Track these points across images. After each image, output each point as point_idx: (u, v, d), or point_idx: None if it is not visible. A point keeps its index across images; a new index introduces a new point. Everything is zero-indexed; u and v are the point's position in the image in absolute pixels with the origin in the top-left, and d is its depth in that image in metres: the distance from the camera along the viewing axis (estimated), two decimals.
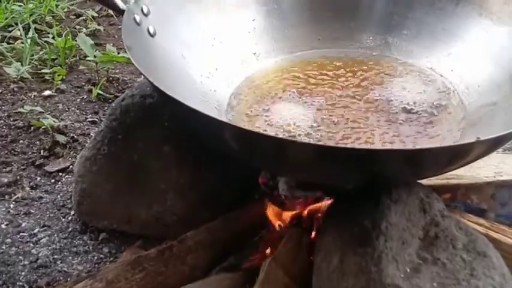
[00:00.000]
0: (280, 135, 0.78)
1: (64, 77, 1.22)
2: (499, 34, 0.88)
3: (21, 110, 1.12)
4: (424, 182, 0.77)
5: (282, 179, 0.86)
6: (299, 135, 0.79)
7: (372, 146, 0.77)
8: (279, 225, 0.81)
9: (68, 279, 0.82)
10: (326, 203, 0.82)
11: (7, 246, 0.87)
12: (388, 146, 0.77)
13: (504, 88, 0.83)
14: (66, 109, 1.15)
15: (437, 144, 0.78)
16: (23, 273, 0.83)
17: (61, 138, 1.06)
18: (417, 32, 0.94)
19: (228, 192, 0.85)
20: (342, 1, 0.96)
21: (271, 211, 0.83)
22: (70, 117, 1.13)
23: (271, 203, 0.84)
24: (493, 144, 0.69)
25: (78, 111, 1.15)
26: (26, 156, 1.03)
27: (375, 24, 0.96)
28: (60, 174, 1.01)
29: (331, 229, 0.71)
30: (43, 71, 1.23)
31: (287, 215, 0.82)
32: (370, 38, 0.96)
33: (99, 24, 1.41)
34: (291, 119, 0.81)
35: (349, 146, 0.76)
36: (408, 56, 0.94)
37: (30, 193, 0.96)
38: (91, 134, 1.08)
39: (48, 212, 0.93)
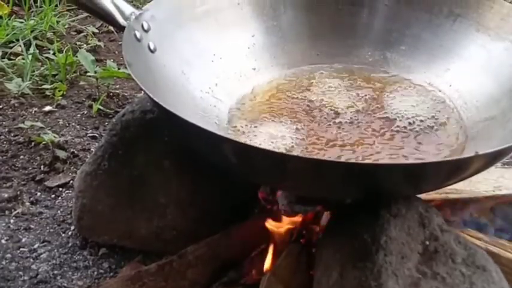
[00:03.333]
0: (278, 150, 0.78)
1: (65, 93, 1.23)
2: (497, 49, 0.88)
3: (21, 125, 1.12)
4: (423, 196, 0.77)
5: (282, 193, 0.86)
6: (295, 150, 0.79)
7: (370, 161, 0.77)
8: (279, 240, 0.81)
9: None
10: (326, 217, 0.82)
11: (7, 261, 0.87)
12: (387, 161, 0.77)
13: (502, 103, 0.83)
14: (67, 124, 1.15)
15: (435, 159, 0.78)
16: None
17: (61, 154, 1.06)
18: (415, 48, 0.94)
19: (227, 207, 0.85)
20: (340, 18, 0.97)
21: (270, 226, 0.83)
22: (70, 132, 1.13)
23: (271, 217, 0.85)
24: (491, 159, 0.70)
25: (78, 126, 1.15)
26: (26, 172, 1.04)
27: (373, 40, 0.97)
28: (61, 189, 1.01)
29: (331, 243, 0.72)
30: (44, 86, 1.24)
31: (286, 229, 0.82)
32: (369, 53, 0.97)
33: (99, 40, 1.42)
34: (288, 134, 0.82)
35: (347, 160, 0.76)
36: (406, 71, 0.94)
37: (31, 208, 0.97)
38: (91, 149, 1.08)
39: (48, 227, 0.93)
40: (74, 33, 1.45)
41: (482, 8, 0.91)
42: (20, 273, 0.85)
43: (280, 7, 0.96)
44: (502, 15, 0.89)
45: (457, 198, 0.87)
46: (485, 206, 0.87)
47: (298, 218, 0.83)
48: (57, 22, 1.43)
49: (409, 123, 0.85)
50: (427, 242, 0.69)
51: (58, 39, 1.38)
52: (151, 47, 0.84)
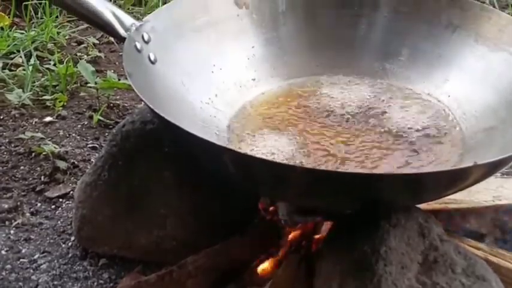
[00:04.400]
0: (277, 160, 0.78)
1: (65, 104, 1.23)
2: (495, 60, 0.89)
3: (22, 136, 1.12)
4: (423, 206, 0.78)
5: (282, 204, 0.86)
6: (294, 160, 0.79)
7: (369, 171, 0.77)
8: (279, 250, 0.81)
9: None
10: (325, 227, 0.82)
11: (7, 272, 0.87)
12: (386, 171, 0.77)
13: (501, 113, 0.84)
14: (67, 135, 1.16)
15: (434, 169, 0.78)
16: None
17: (62, 164, 1.06)
18: (414, 59, 0.95)
19: (228, 218, 0.85)
20: (340, 29, 0.97)
21: (270, 236, 0.83)
22: (71, 143, 1.13)
23: (271, 228, 0.85)
24: (490, 169, 0.70)
25: (78, 137, 1.15)
26: (26, 182, 1.04)
27: (372, 50, 0.97)
28: (61, 200, 1.01)
29: (331, 254, 0.72)
30: (44, 97, 1.24)
31: (286, 239, 0.82)
32: (368, 64, 0.97)
33: (100, 51, 1.42)
34: (287, 144, 0.82)
35: (346, 170, 0.76)
36: (405, 81, 0.95)
37: (31, 219, 0.97)
38: (91, 159, 1.08)
39: (48, 238, 0.93)
40: (74, 44, 1.45)
41: (481, 19, 0.92)
42: (20, 284, 0.85)
43: (279, 18, 0.97)
44: (501, 26, 0.90)
45: (457, 208, 0.87)
46: (485, 216, 0.87)
47: (298, 229, 0.83)
48: (58, 33, 1.43)
49: (408, 133, 0.85)
50: (427, 252, 0.69)
51: (59, 50, 1.38)
52: (152, 58, 0.84)
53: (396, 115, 0.88)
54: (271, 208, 0.87)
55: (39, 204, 1.00)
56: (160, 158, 0.83)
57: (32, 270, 0.87)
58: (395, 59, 0.96)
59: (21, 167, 1.07)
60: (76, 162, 1.08)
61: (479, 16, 0.92)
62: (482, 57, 0.90)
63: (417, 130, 0.86)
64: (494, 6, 1.58)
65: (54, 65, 1.31)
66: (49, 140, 1.12)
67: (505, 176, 0.99)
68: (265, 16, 0.97)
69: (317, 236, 0.83)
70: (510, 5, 1.62)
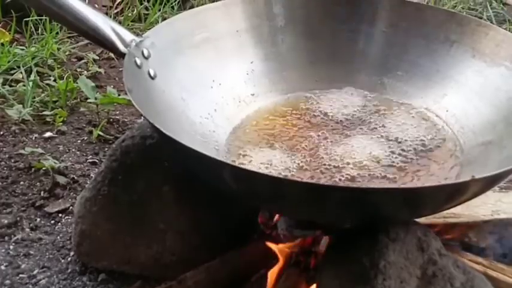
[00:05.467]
0: (276, 175, 0.78)
1: (65, 119, 1.24)
2: (493, 75, 0.89)
3: (22, 151, 1.13)
4: (422, 220, 0.78)
5: (281, 218, 0.86)
6: (293, 174, 0.80)
7: (367, 185, 0.78)
8: (278, 265, 0.81)
9: None
10: (325, 241, 0.82)
11: (6, 287, 0.87)
12: (384, 185, 0.78)
13: (498, 127, 0.84)
14: (67, 150, 1.16)
15: (432, 183, 0.78)
16: None
17: (61, 180, 1.07)
18: (412, 74, 0.95)
19: (227, 232, 0.85)
20: (338, 44, 0.98)
21: (270, 250, 0.83)
22: (70, 158, 1.14)
23: (270, 242, 0.85)
24: (488, 183, 0.70)
25: (78, 152, 1.16)
26: (26, 198, 1.04)
27: (370, 65, 0.98)
28: (60, 215, 1.01)
29: (330, 268, 0.72)
30: (44, 113, 1.25)
31: (286, 254, 0.82)
32: (366, 79, 0.97)
33: (100, 67, 1.43)
34: (287, 159, 0.83)
35: (344, 185, 0.77)
36: (403, 96, 0.95)
37: (30, 234, 0.97)
38: (91, 175, 1.09)
39: (47, 253, 0.93)
40: (74, 60, 1.46)
41: (478, 34, 0.92)
42: None
43: (278, 34, 0.98)
44: (497, 41, 0.90)
45: (456, 222, 0.87)
46: (484, 230, 0.87)
47: (297, 243, 0.83)
48: (58, 49, 1.44)
49: (407, 147, 0.86)
50: (426, 266, 0.69)
51: (59, 66, 1.39)
52: (152, 74, 0.85)
53: (394, 129, 0.89)
54: (270, 222, 0.88)
55: (38, 220, 1.00)
56: (160, 173, 0.83)
57: (31, 286, 0.87)
58: (394, 74, 0.97)
59: (21, 182, 1.07)
60: (76, 177, 1.08)
61: (476, 31, 0.93)
62: (480, 72, 0.91)
63: (415, 144, 0.86)
64: (491, 21, 1.60)
65: (54, 80, 1.32)
66: (49, 155, 1.12)
67: (504, 190, 0.99)
68: (264, 32, 0.97)
69: (316, 250, 0.83)
70: (508, 20, 1.63)
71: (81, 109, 1.28)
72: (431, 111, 0.92)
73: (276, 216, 0.87)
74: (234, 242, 0.85)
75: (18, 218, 0.99)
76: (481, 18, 1.62)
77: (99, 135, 1.19)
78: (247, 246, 0.85)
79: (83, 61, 1.44)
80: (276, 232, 0.86)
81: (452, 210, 0.83)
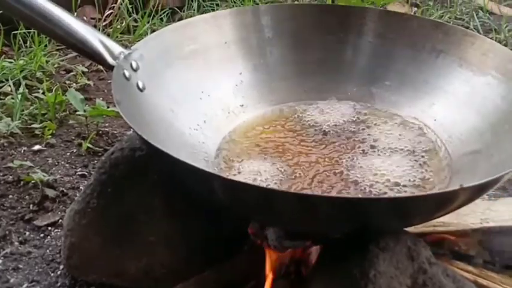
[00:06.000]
0: (266, 185, 0.79)
1: (54, 132, 1.23)
2: (479, 84, 0.90)
3: (11, 164, 1.12)
4: (412, 229, 0.78)
5: (271, 229, 0.86)
6: (282, 185, 0.80)
7: (356, 195, 0.78)
8: (268, 276, 0.81)
9: None
10: (315, 252, 0.82)
11: None
12: (372, 195, 0.78)
13: (486, 136, 0.85)
14: (56, 163, 1.16)
15: (420, 193, 0.79)
16: None
17: (50, 193, 1.06)
18: (400, 83, 0.96)
19: (217, 244, 0.85)
20: (326, 55, 0.99)
21: (260, 261, 0.83)
22: (60, 171, 1.13)
23: (260, 253, 0.85)
24: (476, 191, 0.71)
25: (67, 165, 1.15)
26: (15, 211, 1.03)
27: (358, 76, 0.99)
28: (49, 228, 1.00)
29: (320, 278, 0.72)
30: (33, 125, 1.24)
31: (276, 264, 0.82)
32: (355, 89, 0.98)
33: (89, 79, 1.43)
34: (276, 169, 0.83)
35: (333, 195, 0.77)
36: (391, 106, 0.96)
37: (19, 248, 0.96)
38: (81, 187, 1.08)
39: (37, 267, 0.93)
40: (63, 72, 1.46)
41: (464, 44, 0.93)
42: None
43: (266, 46, 0.98)
44: (484, 50, 0.91)
45: (445, 231, 0.88)
46: (473, 239, 0.88)
47: (287, 253, 0.83)
48: (47, 62, 1.44)
49: (395, 157, 0.86)
50: (416, 276, 0.69)
51: (47, 79, 1.39)
52: (140, 86, 0.85)
53: (383, 139, 0.89)
54: (261, 233, 0.87)
55: (27, 233, 0.99)
56: (150, 185, 0.83)
57: None
58: (382, 84, 0.97)
59: (10, 196, 1.06)
60: (65, 190, 1.08)
61: (463, 41, 0.94)
62: (467, 82, 0.92)
63: (404, 154, 0.86)
64: (478, 31, 1.62)
65: (43, 93, 1.31)
66: (38, 168, 1.12)
67: (492, 198, 1.00)
68: (253, 44, 0.98)
69: (307, 261, 0.83)
70: (494, 29, 1.65)
71: (70, 121, 1.28)
72: (420, 120, 0.93)
73: (267, 227, 0.87)
74: (224, 254, 0.85)
75: (7, 232, 0.99)
76: (467, 27, 1.63)
77: (88, 147, 1.19)
78: (238, 258, 0.85)
79: (72, 73, 1.44)
80: (266, 243, 0.86)
81: (442, 219, 0.83)
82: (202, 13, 1.62)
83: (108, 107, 1.27)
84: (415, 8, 1.78)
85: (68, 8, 1.52)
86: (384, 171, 0.83)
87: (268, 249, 0.84)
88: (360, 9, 1.07)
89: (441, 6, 1.79)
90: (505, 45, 1.51)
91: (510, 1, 1.83)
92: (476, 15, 1.72)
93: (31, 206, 1.04)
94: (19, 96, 1.28)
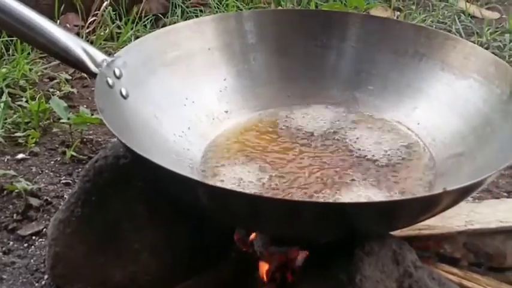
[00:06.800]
0: (250, 192, 0.79)
1: (38, 140, 1.22)
2: (462, 87, 0.91)
3: None
4: (397, 233, 0.78)
5: (257, 235, 0.86)
6: (267, 191, 0.80)
7: (340, 200, 0.78)
8: (255, 282, 0.81)
9: None
10: (301, 257, 0.82)
11: None
12: (357, 199, 0.78)
13: (469, 139, 0.85)
14: (40, 172, 1.15)
15: (405, 197, 0.79)
16: None
17: (34, 202, 1.05)
18: (383, 88, 0.96)
19: (203, 251, 0.85)
20: (309, 60, 0.99)
21: (246, 267, 0.83)
22: (44, 179, 1.12)
23: (247, 259, 0.84)
24: (460, 194, 0.71)
25: (51, 173, 1.15)
26: None
27: (342, 80, 0.99)
28: (34, 237, 0.99)
29: (307, 284, 0.72)
30: (16, 134, 1.23)
31: (262, 271, 0.82)
32: (338, 94, 0.98)
33: (72, 87, 1.42)
34: (261, 175, 0.83)
35: (316, 200, 0.77)
36: (375, 110, 0.96)
37: (3, 258, 0.95)
38: (65, 196, 1.07)
39: (21, 277, 0.92)
40: (46, 80, 1.45)
41: (446, 47, 0.94)
42: None
43: (250, 51, 0.98)
44: (465, 54, 0.92)
45: (430, 234, 0.88)
46: (458, 241, 0.88)
47: (273, 259, 0.83)
48: (30, 70, 1.43)
49: (379, 161, 0.86)
50: (402, 279, 0.69)
51: (31, 87, 1.38)
52: (124, 93, 0.84)
53: (367, 143, 0.89)
54: (247, 239, 0.87)
55: (11, 243, 0.98)
56: (134, 192, 0.83)
57: None
58: (365, 88, 0.98)
59: None
60: (49, 199, 1.07)
61: (444, 45, 0.94)
62: (449, 85, 0.92)
63: (386, 158, 0.87)
64: (460, 34, 1.63)
65: (26, 101, 1.30)
66: (21, 177, 1.11)
67: (477, 200, 1.01)
68: (236, 49, 0.98)
69: (293, 266, 0.83)
70: (476, 33, 1.66)
71: (54, 130, 1.27)
72: (403, 124, 0.93)
73: (253, 234, 0.87)
74: (210, 261, 0.85)
75: None
76: (450, 31, 1.64)
77: (72, 155, 1.18)
78: (224, 265, 0.85)
79: (55, 81, 1.43)
80: (252, 249, 0.86)
81: (427, 222, 0.83)
82: (186, 19, 1.62)
83: (92, 115, 1.26)
84: (398, 12, 1.79)
85: (51, 15, 1.52)
86: (368, 174, 0.83)
87: (254, 256, 0.85)
88: (343, 14, 1.08)
89: (424, 10, 1.80)
90: (487, 48, 1.52)
91: (491, 4, 1.85)
92: (458, 18, 1.74)
93: (15, 215, 1.03)
94: (2, 104, 1.27)
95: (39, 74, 1.44)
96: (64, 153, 1.20)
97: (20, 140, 1.22)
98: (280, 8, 1.73)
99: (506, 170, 1.10)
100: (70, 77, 1.45)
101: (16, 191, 1.07)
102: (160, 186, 0.79)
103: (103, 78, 0.82)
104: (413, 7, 1.80)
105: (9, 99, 1.31)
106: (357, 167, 0.85)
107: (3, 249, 0.97)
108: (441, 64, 0.94)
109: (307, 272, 0.75)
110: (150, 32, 1.53)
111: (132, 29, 1.61)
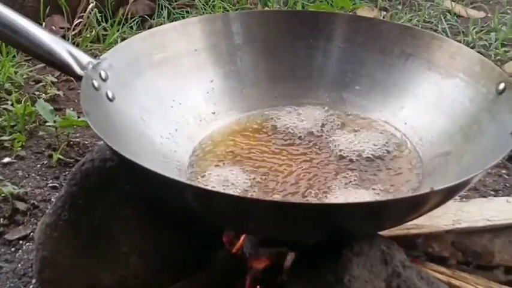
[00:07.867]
0: (238, 193, 0.78)
1: (24, 144, 1.22)
2: (448, 87, 0.91)
3: None
4: (385, 233, 0.78)
5: (246, 237, 0.86)
6: (255, 192, 0.80)
7: (327, 201, 0.78)
8: (244, 283, 0.81)
9: None
10: (290, 258, 0.82)
11: None
12: (344, 200, 0.78)
13: (456, 138, 0.86)
14: (26, 175, 1.14)
15: (392, 197, 0.79)
16: None
17: (21, 206, 1.05)
18: (370, 88, 0.96)
19: (192, 254, 0.85)
20: (296, 61, 0.99)
21: (235, 269, 0.82)
22: (30, 183, 1.12)
23: (236, 261, 0.84)
24: (447, 194, 0.71)
25: (38, 177, 1.14)
26: None
27: (329, 81, 0.99)
28: (21, 242, 0.99)
29: (296, 285, 0.72)
30: (2, 138, 1.22)
31: (251, 272, 0.82)
32: (326, 94, 0.98)
33: (58, 89, 1.41)
34: (248, 176, 0.83)
35: (304, 201, 0.77)
36: (363, 110, 0.96)
37: None
38: (52, 199, 1.07)
39: (8, 282, 0.91)
40: (32, 83, 1.44)
41: (432, 47, 0.94)
42: None
43: (237, 52, 0.98)
44: (451, 53, 0.92)
45: (419, 233, 0.88)
46: (446, 240, 0.88)
47: (262, 261, 0.83)
48: (15, 72, 1.42)
49: (367, 161, 0.86)
50: (390, 279, 0.69)
51: (16, 90, 1.37)
52: (110, 96, 0.84)
53: (354, 143, 0.89)
54: (236, 241, 0.87)
55: None
56: (121, 195, 0.82)
57: None
58: (352, 89, 0.98)
59: None
60: (36, 203, 1.06)
61: (431, 44, 0.94)
62: (435, 84, 0.92)
63: (375, 158, 0.87)
64: (446, 34, 1.63)
65: (12, 105, 1.30)
66: (8, 181, 1.10)
67: (464, 199, 1.01)
68: (223, 51, 0.98)
69: (281, 267, 0.82)
70: (462, 32, 1.67)
71: (40, 133, 1.26)
72: (390, 124, 0.94)
73: (241, 235, 0.87)
74: (199, 263, 0.84)
75: None
76: (436, 31, 1.65)
77: (59, 158, 1.17)
78: (213, 267, 0.84)
79: (41, 84, 1.42)
80: (241, 251, 0.86)
81: (415, 221, 0.83)
82: (172, 21, 1.61)
83: (78, 117, 1.25)
84: (384, 12, 1.79)
85: (36, 18, 1.50)
86: (355, 174, 0.83)
87: (244, 257, 0.84)
88: (329, 14, 1.08)
89: (410, 10, 1.80)
90: (473, 47, 1.53)
91: (477, 4, 1.86)
92: (444, 18, 1.74)
93: (1, 219, 1.03)
94: None
95: (24, 76, 1.43)
96: (51, 156, 1.19)
97: (5, 144, 1.21)
98: (266, 8, 1.73)
99: (493, 168, 1.11)
100: (56, 80, 1.45)
101: (2, 195, 1.07)
102: (147, 189, 0.78)
103: (88, 80, 0.82)
104: (400, 7, 1.81)
105: None
106: (344, 167, 0.85)
107: None
108: (427, 64, 0.94)
109: (295, 273, 0.75)
110: (136, 33, 1.52)
111: (118, 30, 1.60)
